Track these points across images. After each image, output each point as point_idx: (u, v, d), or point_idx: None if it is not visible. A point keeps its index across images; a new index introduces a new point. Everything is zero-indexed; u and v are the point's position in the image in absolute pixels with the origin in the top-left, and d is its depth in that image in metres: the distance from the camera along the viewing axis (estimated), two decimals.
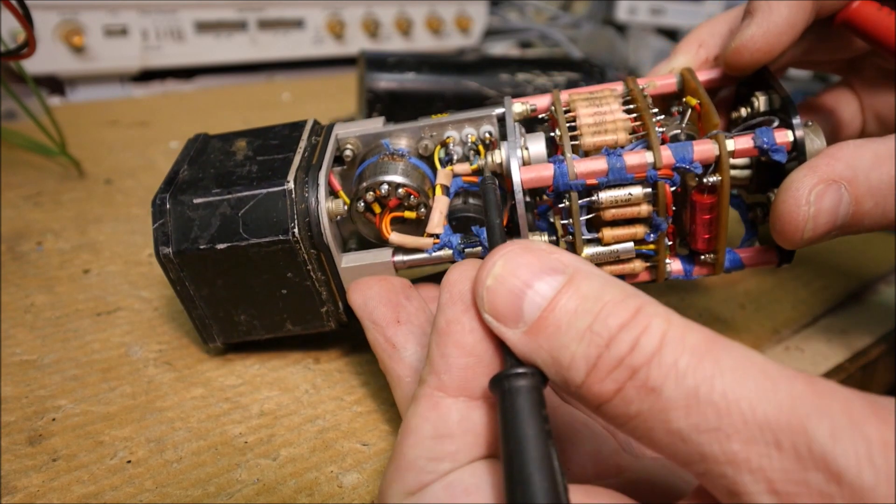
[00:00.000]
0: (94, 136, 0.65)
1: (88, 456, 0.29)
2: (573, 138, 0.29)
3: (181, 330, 0.37)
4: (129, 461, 0.28)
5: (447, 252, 0.31)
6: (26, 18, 0.37)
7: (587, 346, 0.17)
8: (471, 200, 0.32)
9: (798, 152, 0.28)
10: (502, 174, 0.30)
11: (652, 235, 0.29)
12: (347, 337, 0.37)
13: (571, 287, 0.18)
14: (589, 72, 0.61)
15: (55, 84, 0.76)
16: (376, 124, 0.33)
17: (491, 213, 0.25)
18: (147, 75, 0.80)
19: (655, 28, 1.03)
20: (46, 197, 0.52)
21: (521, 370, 0.18)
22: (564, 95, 0.32)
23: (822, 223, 0.26)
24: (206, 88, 0.84)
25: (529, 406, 0.17)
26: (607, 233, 0.29)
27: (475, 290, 0.19)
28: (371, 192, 0.31)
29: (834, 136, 0.38)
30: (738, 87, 0.34)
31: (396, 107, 0.57)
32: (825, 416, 0.14)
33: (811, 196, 0.26)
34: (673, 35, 1.03)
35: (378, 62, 0.58)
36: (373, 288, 0.30)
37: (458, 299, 0.20)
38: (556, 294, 0.18)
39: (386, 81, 0.57)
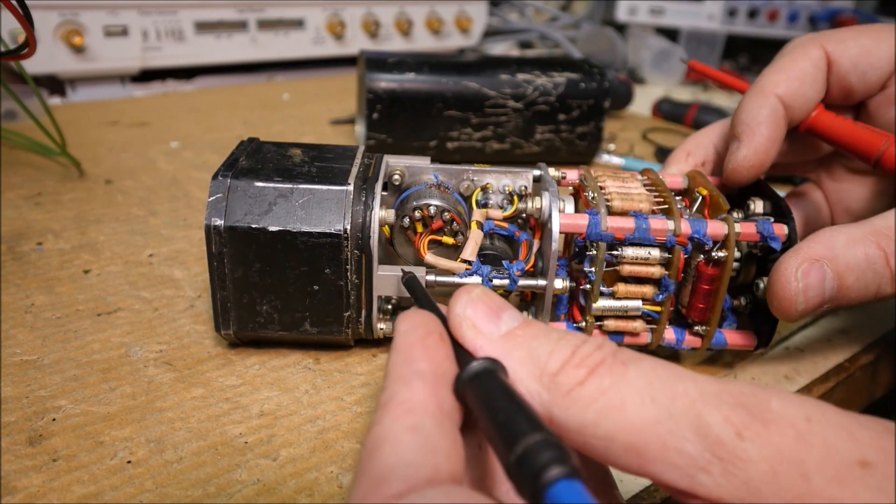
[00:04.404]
0: (94, 136, 0.65)
1: (88, 456, 0.29)
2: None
3: (181, 330, 0.37)
4: (129, 461, 0.28)
5: (477, 279, 0.33)
6: (26, 18, 0.37)
7: (566, 343, 0.20)
8: (496, 243, 0.36)
9: (790, 244, 0.32)
10: (539, 220, 0.34)
11: (660, 296, 0.33)
12: None
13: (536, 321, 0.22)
14: (589, 72, 0.61)
15: (55, 84, 0.76)
16: (424, 161, 0.36)
17: (423, 299, 0.26)
18: (147, 75, 0.81)
19: (655, 28, 1.03)
20: (46, 197, 0.52)
21: (482, 359, 0.20)
22: (591, 172, 0.36)
23: (812, 296, 0.30)
24: (206, 88, 0.84)
25: (500, 382, 0.19)
26: (621, 287, 0.33)
27: (457, 294, 0.22)
28: (419, 211, 0.33)
29: (803, 230, 0.41)
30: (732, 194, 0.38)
31: (397, 107, 0.57)
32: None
33: (798, 273, 0.30)
34: (673, 35, 1.03)
35: (378, 62, 0.58)
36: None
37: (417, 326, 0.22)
38: (527, 318, 0.21)
39: (386, 82, 0.57)
